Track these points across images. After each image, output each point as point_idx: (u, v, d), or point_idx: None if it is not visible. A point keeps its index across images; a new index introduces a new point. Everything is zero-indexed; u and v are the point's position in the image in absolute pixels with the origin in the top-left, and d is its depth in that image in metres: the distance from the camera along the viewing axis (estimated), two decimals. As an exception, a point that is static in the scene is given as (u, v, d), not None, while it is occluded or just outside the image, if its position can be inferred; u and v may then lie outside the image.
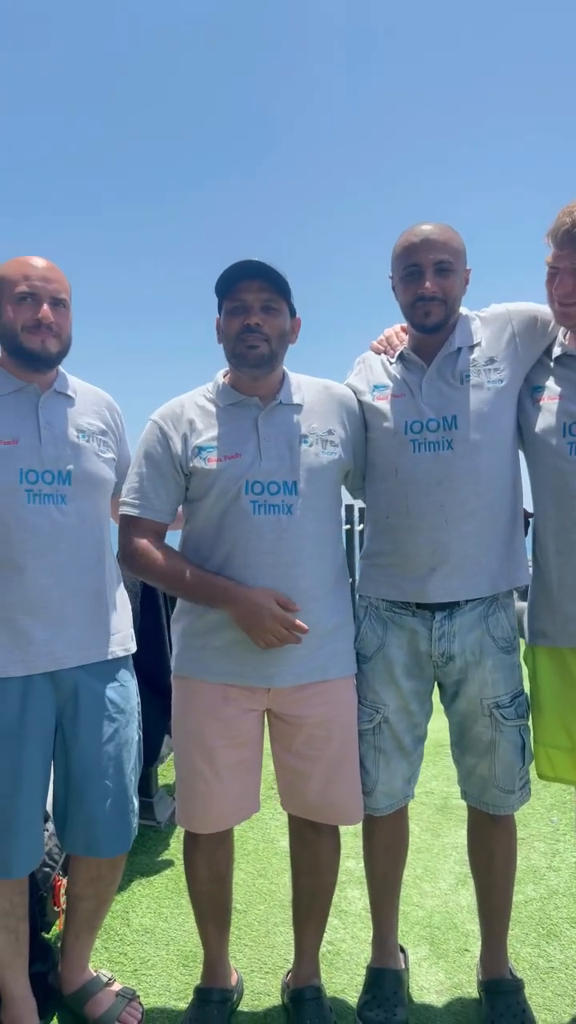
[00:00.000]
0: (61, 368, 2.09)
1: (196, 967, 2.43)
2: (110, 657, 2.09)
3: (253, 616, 1.91)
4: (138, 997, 2.27)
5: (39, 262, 1.99)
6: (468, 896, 2.78)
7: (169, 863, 3.05)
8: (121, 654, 2.13)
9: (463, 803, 3.46)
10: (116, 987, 2.27)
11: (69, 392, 2.10)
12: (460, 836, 3.21)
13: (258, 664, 1.99)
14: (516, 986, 2.20)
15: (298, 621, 1.91)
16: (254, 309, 1.96)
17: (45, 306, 1.96)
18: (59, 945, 2.35)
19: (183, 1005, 2.27)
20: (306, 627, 1.92)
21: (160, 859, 3.06)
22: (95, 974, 2.29)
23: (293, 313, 2.03)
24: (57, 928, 2.41)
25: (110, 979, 2.29)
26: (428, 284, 1.98)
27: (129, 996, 2.25)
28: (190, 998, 2.28)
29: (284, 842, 3.15)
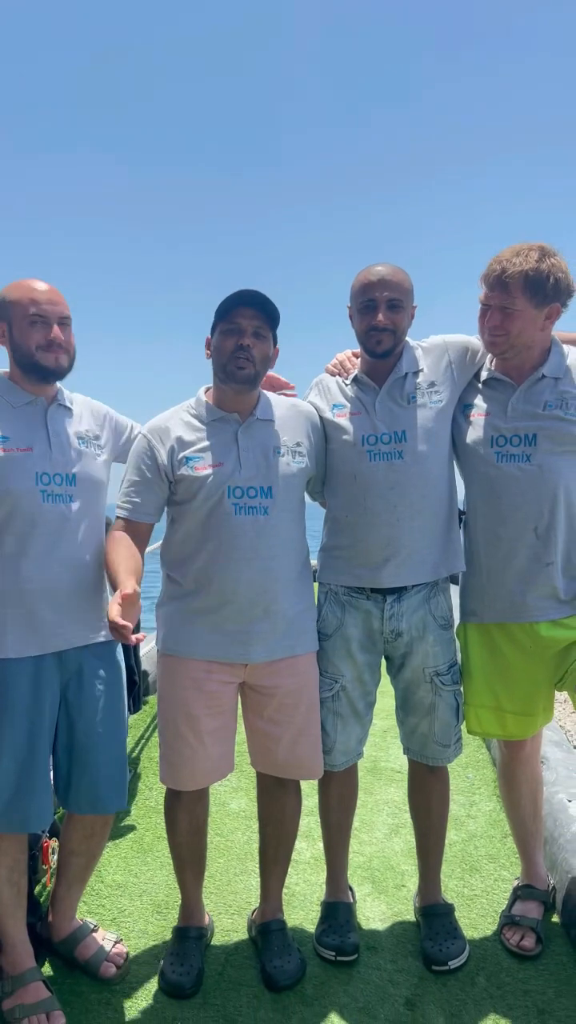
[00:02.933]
0: (58, 383, 2.35)
1: (168, 913, 2.75)
2: (108, 639, 2.38)
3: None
4: (122, 940, 2.56)
5: (42, 285, 2.24)
6: (400, 843, 3.20)
7: (132, 827, 3.33)
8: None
9: (391, 765, 3.93)
10: (101, 933, 2.56)
11: (68, 404, 2.37)
12: (389, 793, 3.64)
13: (237, 643, 2.31)
14: (448, 909, 2.61)
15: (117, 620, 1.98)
16: (247, 332, 2.25)
17: (55, 327, 2.22)
18: (47, 899, 2.62)
19: (162, 945, 2.58)
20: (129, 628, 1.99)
21: (124, 824, 3.34)
22: (81, 922, 2.56)
23: (275, 342, 2.34)
24: (45, 884, 2.68)
25: (95, 926, 2.58)
26: (380, 317, 2.33)
27: (114, 939, 2.54)
28: (166, 939, 2.60)
29: (234, 805, 3.49)
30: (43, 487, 2.23)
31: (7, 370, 2.33)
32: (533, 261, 2.22)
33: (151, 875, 2.99)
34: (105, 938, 2.53)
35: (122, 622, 1.96)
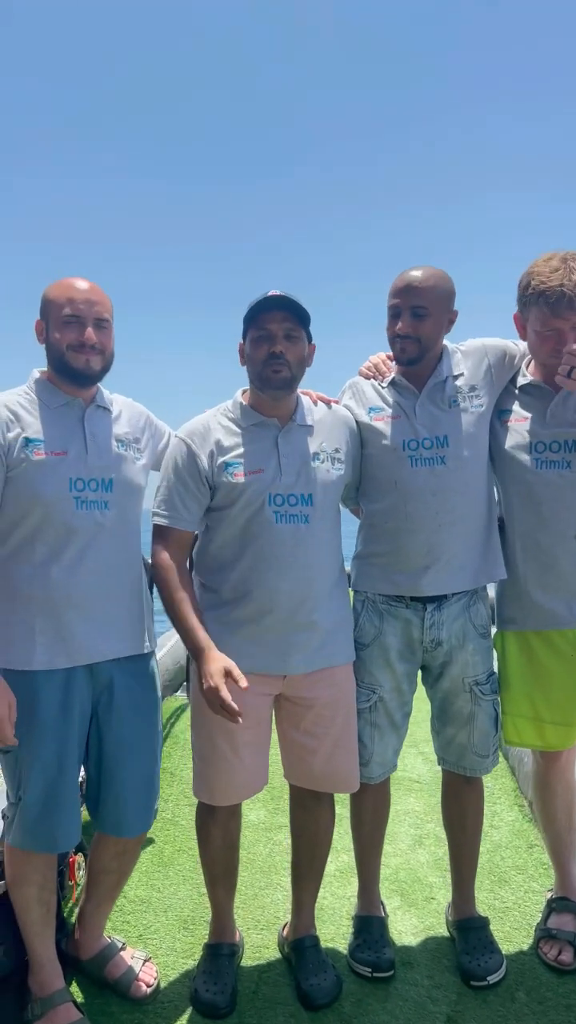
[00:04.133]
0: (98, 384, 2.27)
1: (195, 929, 2.69)
2: (142, 652, 2.30)
3: (204, 679, 2.10)
4: (151, 959, 2.49)
5: (83, 284, 2.17)
6: (425, 854, 3.16)
7: (150, 841, 3.26)
8: (150, 649, 2.34)
9: (408, 775, 3.89)
10: (130, 951, 2.49)
11: (107, 405, 2.29)
12: (409, 803, 3.60)
13: (276, 655, 2.25)
14: (484, 922, 2.56)
15: (232, 705, 2.05)
16: (278, 337, 2.19)
17: (89, 329, 2.14)
18: (69, 914, 2.55)
19: (191, 962, 2.52)
20: (238, 713, 2.06)
21: (141, 837, 3.27)
22: (110, 940, 2.49)
23: (310, 339, 2.28)
24: (71, 901, 2.61)
25: (123, 944, 2.51)
26: (401, 325, 2.29)
27: (143, 958, 2.47)
28: (195, 956, 2.53)
29: (253, 816, 3.43)
30: (77, 493, 2.15)
31: (45, 370, 2.26)
32: None
33: (174, 890, 2.93)
34: (134, 956, 2.46)
35: (231, 705, 2.06)
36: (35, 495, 2.11)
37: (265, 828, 3.33)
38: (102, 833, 2.35)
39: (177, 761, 4.07)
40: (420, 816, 3.47)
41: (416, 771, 3.89)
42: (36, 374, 2.27)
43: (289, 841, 3.20)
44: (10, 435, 2.12)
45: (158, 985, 2.41)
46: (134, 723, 2.27)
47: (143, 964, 2.44)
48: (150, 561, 2.30)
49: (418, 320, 2.28)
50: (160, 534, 2.27)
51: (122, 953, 2.46)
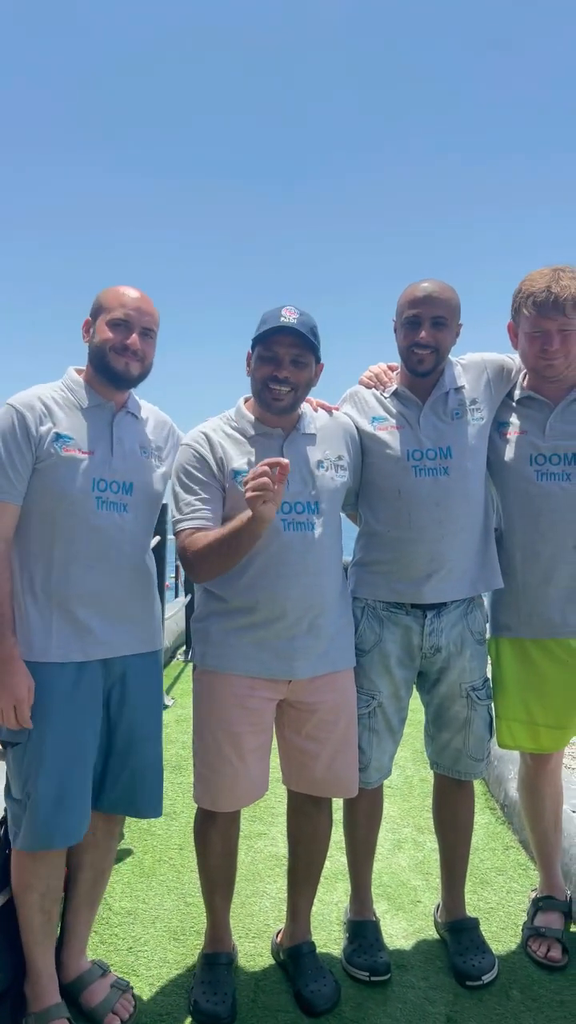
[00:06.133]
0: (132, 391, 2.31)
1: (186, 939, 2.66)
2: (153, 648, 2.33)
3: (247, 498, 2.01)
4: (132, 988, 2.37)
5: (134, 293, 2.23)
6: (405, 858, 3.20)
7: (128, 851, 3.22)
8: (160, 646, 2.36)
9: (384, 780, 3.91)
10: (110, 978, 2.37)
11: (136, 412, 2.32)
12: (384, 809, 3.62)
13: (282, 660, 2.26)
14: (475, 923, 2.62)
15: (274, 461, 1.99)
16: (284, 362, 2.21)
17: (135, 335, 2.19)
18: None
19: (184, 973, 2.49)
20: (283, 461, 2.01)
21: (120, 848, 3.21)
22: (91, 964, 2.39)
23: (318, 360, 2.29)
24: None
25: (105, 970, 2.40)
26: (424, 334, 2.34)
27: (123, 987, 2.35)
28: (187, 967, 2.51)
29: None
30: (99, 493, 2.18)
31: (83, 369, 2.29)
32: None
33: (159, 900, 2.89)
34: (114, 985, 2.35)
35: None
36: (60, 490, 2.14)
37: (244, 836, 3.28)
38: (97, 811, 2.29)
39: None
40: (396, 821, 3.51)
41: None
42: (72, 372, 2.30)
43: (270, 848, 3.24)
44: (43, 428, 2.15)
45: (135, 1019, 2.30)
46: (146, 713, 2.30)
47: (121, 995, 2.33)
48: (183, 563, 2.28)
49: (438, 330, 2.34)
50: (186, 534, 2.23)
51: (101, 980, 2.35)
